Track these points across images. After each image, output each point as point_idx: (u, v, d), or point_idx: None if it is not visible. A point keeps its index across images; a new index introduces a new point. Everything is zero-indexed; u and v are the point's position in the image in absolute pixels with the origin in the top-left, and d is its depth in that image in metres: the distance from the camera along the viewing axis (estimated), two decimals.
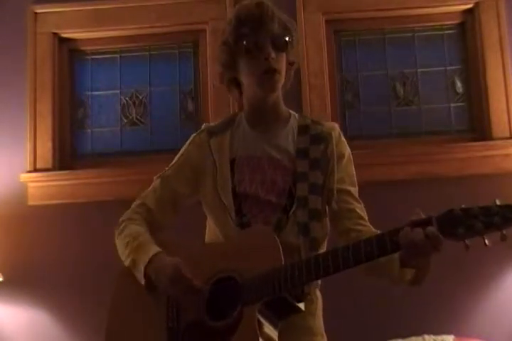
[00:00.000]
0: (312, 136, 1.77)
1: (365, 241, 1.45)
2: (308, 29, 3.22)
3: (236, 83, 1.81)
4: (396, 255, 1.49)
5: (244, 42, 1.71)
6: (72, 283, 3.03)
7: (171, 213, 1.85)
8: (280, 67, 1.73)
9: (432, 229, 1.38)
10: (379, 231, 1.64)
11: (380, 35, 3.33)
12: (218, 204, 1.73)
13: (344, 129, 3.23)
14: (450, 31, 3.31)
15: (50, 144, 3.25)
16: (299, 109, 3.06)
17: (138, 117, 3.38)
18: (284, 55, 1.75)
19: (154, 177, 1.88)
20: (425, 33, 3.32)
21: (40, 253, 3.13)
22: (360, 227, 1.71)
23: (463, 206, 1.37)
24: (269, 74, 1.70)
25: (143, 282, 1.67)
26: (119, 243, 1.78)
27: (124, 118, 3.38)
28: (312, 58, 3.20)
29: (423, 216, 1.42)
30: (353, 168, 1.81)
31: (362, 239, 1.47)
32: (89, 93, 3.41)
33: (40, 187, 3.19)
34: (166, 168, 1.88)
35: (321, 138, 1.76)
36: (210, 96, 3.25)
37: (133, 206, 1.86)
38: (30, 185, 3.20)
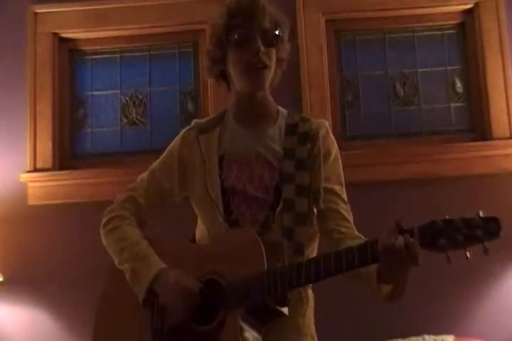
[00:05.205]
0: (300, 135, 1.74)
1: (346, 250, 1.45)
2: (308, 29, 3.22)
3: (224, 76, 1.78)
4: (374, 269, 1.47)
5: (234, 34, 1.68)
6: (72, 283, 3.03)
7: (158, 207, 1.86)
8: (270, 62, 1.70)
9: (410, 237, 1.36)
10: (360, 235, 1.66)
11: (380, 35, 3.33)
12: (207, 200, 1.72)
13: (344, 129, 3.24)
14: (450, 31, 3.31)
15: (50, 144, 3.25)
16: (299, 109, 3.06)
17: (138, 117, 3.38)
18: (274, 50, 1.71)
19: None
20: (425, 33, 3.31)
21: (40, 253, 3.12)
22: (343, 229, 1.68)
23: (446, 217, 1.35)
24: (258, 69, 1.67)
25: (142, 295, 1.67)
26: (111, 242, 1.78)
27: (124, 118, 3.38)
28: (312, 58, 3.20)
29: (404, 227, 1.40)
30: (340, 167, 1.77)
31: (343, 248, 1.46)
32: (89, 93, 3.41)
33: (40, 187, 3.19)
34: (155, 162, 1.88)
35: (309, 137, 1.73)
36: (210, 96, 3.24)
37: (122, 199, 1.85)
38: (30, 185, 3.20)
